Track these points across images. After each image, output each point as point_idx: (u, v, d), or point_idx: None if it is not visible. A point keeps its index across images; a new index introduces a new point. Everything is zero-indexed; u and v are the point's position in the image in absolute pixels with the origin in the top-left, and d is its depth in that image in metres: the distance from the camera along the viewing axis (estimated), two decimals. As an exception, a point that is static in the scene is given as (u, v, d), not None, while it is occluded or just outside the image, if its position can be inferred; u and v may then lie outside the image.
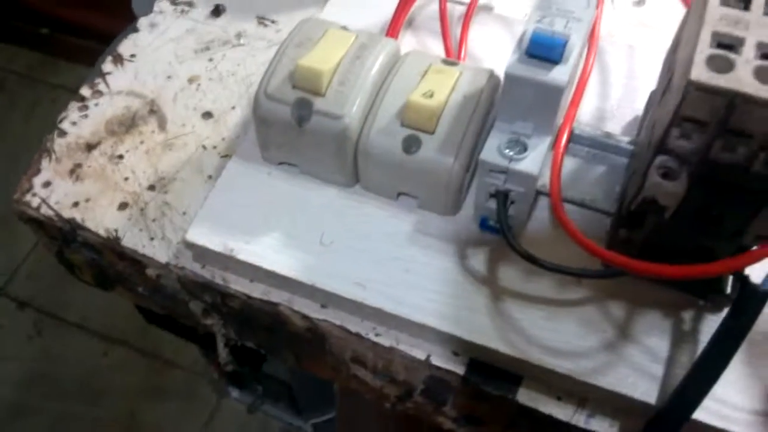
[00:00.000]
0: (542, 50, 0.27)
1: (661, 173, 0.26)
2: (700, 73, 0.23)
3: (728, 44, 0.24)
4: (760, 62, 0.23)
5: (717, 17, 0.24)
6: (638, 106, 0.37)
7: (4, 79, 1.52)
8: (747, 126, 0.23)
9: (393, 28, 0.38)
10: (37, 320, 1.22)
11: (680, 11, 0.42)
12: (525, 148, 0.29)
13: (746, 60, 0.23)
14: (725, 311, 0.31)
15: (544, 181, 0.31)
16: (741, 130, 0.23)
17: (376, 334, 0.33)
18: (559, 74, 0.27)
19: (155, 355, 1.17)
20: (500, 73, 0.34)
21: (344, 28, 0.35)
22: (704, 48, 0.23)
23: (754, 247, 0.27)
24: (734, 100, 0.22)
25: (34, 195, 0.38)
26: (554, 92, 0.27)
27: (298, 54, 0.33)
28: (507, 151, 0.29)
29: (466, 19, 0.40)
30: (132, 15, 0.71)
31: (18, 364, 1.19)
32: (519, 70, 0.27)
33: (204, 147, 0.39)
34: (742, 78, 0.23)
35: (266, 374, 0.85)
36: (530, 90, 0.28)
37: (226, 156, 0.39)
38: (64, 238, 0.38)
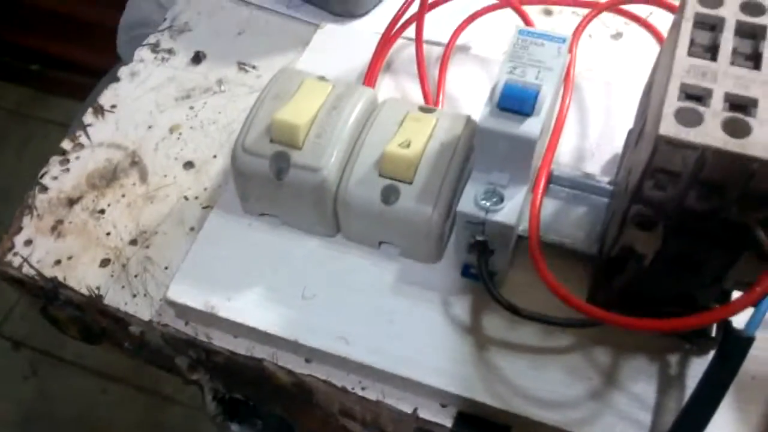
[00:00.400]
0: (513, 103, 0.27)
1: (638, 222, 0.26)
2: (668, 128, 0.23)
3: (696, 95, 0.24)
4: (728, 114, 0.23)
5: (685, 68, 0.24)
6: (617, 144, 0.37)
7: (-5, 116, 1.53)
8: (718, 177, 0.23)
9: (370, 76, 0.39)
10: (33, 360, 1.21)
11: (656, 46, 0.42)
12: (501, 199, 0.29)
13: (714, 112, 0.23)
14: (711, 353, 0.30)
15: (525, 225, 0.31)
16: (713, 181, 0.23)
17: (362, 388, 0.32)
18: (530, 127, 0.27)
19: (154, 392, 1.16)
20: (477, 118, 0.35)
21: (321, 77, 0.35)
22: (673, 101, 0.23)
23: (736, 295, 0.26)
24: (704, 153, 0.22)
25: (16, 254, 0.38)
26: (527, 144, 0.27)
27: (275, 106, 0.33)
28: (484, 201, 0.29)
29: (443, 63, 0.40)
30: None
31: (14, 404, 1.18)
32: (491, 123, 0.27)
33: (186, 198, 0.39)
34: (711, 131, 0.22)
35: (266, 410, 0.84)
36: (503, 142, 0.28)
37: (207, 207, 0.39)
38: (47, 296, 0.38)
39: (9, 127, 1.49)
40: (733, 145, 0.22)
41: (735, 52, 0.25)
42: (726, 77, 0.24)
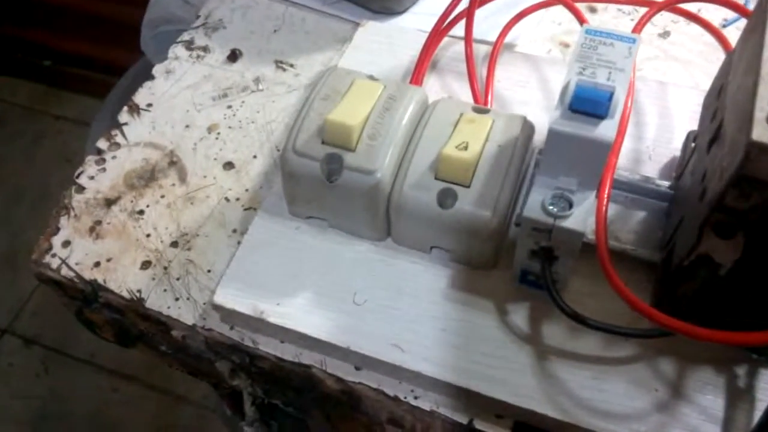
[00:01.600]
0: (587, 105, 0.26)
1: (718, 231, 0.25)
2: (761, 133, 0.22)
3: (788, 99, 0.23)
4: (825, 119, 0.22)
5: (775, 71, 0.23)
6: (674, 146, 0.36)
7: (6, 112, 1.52)
8: (813, 185, 0.22)
9: (417, 75, 0.37)
10: (45, 357, 1.21)
11: (706, 42, 0.41)
12: (570, 204, 0.28)
13: (810, 117, 0.22)
14: (781, 366, 0.29)
15: (587, 231, 0.30)
16: (806, 190, 0.22)
17: (415, 397, 0.31)
18: (606, 130, 0.26)
19: (166, 391, 1.15)
20: (532, 120, 0.34)
21: (371, 77, 0.34)
22: (764, 105, 0.22)
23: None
24: (801, 160, 0.21)
25: (54, 256, 0.37)
26: (602, 148, 0.26)
27: (326, 107, 0.32)
28: (551, 207, 0.28)
29: (491, 61, 0.39)
30: (133, 47, 0.70)
31: (27, 402, 1.17)
32: (564, 126, 0.26)
33: (227, 199, 0.38)
34: (808, 137, 0.21)
35: (281, 410, 0.83)
36: (576, 146, 0.26)
37: (249, 209, 0.38)
38: (85, 299, 0.37)
39: (22, 124, 1.48)
40: (833, 151, 0.21)
41: (826, 53, 0.24)
42: (820, 80, 0.23)
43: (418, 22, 0.44)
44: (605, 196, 0.29)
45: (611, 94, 0.26)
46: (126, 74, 0.93)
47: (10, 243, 1.25)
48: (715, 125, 0.28)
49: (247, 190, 0.38)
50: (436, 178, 0.31)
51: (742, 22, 0.38)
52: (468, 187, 0.31)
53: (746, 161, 0.22)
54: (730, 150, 0.24)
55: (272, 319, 0.32)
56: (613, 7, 0.45)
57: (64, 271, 0.36)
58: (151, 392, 1.16)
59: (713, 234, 0.25)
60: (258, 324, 0.33)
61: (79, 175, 0.40)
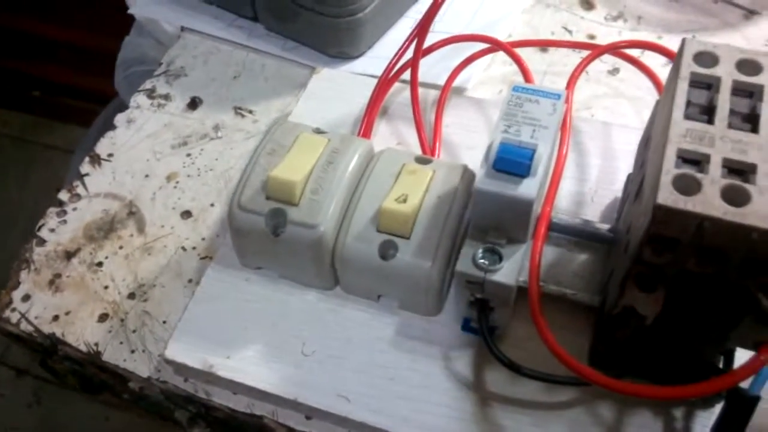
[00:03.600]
0: (509, 165, 0.27)
1: (639, 283, 0.26)
2: (666, 197, 0.22)
3: (694, 160, 0.24)
4: (726, 181, 0.23)
5: (681, 133, 0.24)
6: (617, 187, 0.37)
7: (-4, 143, 1.53)
8: (718, 245, 0.23)
9: (367, 123, 0.38)
10: (37, 388, 1.21)
11: (651, 84, 0.42)
12: (500, 258, 0.28)
13: (713, 179, 0.23)
14: (717, 407, 0.30)
15: (525, 276, 0.31)
16: (713, 248, 0.23)
17: (363, 446, 0.32)
18: (527, 189, 0.27)
19: (158, 419, 1.16)
20: (477, 167, 0.34)
21: (317, 130, 0.35)
22: (670, 167, 0.23)
23: (745, 360, 0.26)
24: (703, 222, 0.22)
25: (14, 310, 0.38)
26: (524, 206, 0.27)
27: (271, 162, 0.33)
28: (482, 261, 0.28)
29: (439, 107, 0.39)
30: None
31: (19, 433, 1.17)
32: (487, 185, 0.27)
33: (183, 249, 0.39)
34: (710, 199, 0.22)
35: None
36: (500, 203, 0.27)
37: (205, 257, 0.38)
38: (46, 351, 0.38)
39: (12, 154, 1.49)
40: (732, 214, 0.22)
41: (732, 112, 0.24)
42: (724, 142, 0.23)
43: (373, 66, 0.45)
44: (539, 246, 0.30)
45: (533, 153, 0.27)
46: (107, 107, 0.95)
47: (2, 272, 1.25)
48: (641, 177, 0.28)
49: (203, 239, 0.39)
50: (377, 231, 0.32)
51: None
52: (408, 238, 0.32)
53: (654, 222, 0.23)
54: (644, 209, 0.25)
55: (222, 373, 0.32)
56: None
57: (23, 325, 0.37)
58: (143, 420, 1.16)
59: (635, 287, 0.26)
60: (209, 376, 0.33)
61: (40, 227, 0.41)
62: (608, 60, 0.44)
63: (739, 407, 0.27)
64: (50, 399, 1.19)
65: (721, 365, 0.29)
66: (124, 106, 0.47)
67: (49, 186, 1.43)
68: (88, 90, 1.38)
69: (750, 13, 0.46)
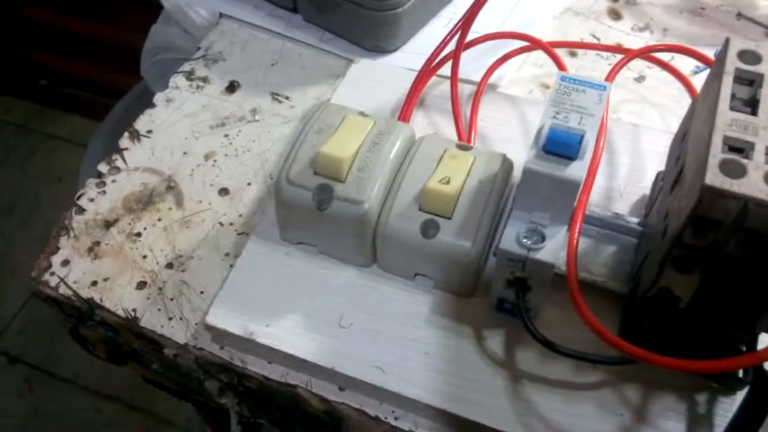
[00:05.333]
0: (559, 147, 0.28)
1: (676, 266, 0.27)
2: (714, 178, 0.24)
3: (739, 148, 0.25)
4: (770, 167, 0.24)
5: (727, 122, 0.25)
6: (644, 185, 0.38)
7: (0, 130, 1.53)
8: (760, 227, 0.24)
9: (405, 112, 0.40)
10: (29, 376, 1.20)
11: (678, 87, 0.43)
12: (543, 238, 0.30)
13: (757, 165, 0.24)
14: (739, 394, 0.31)
15: (559, 263, 0.32)
16: (754, 230, 0.24)
17: (395, 418, 0.33)
18: (576, 170, 0.28)
19: (149, 412, 1.15)
20: (512, 158, 0.36)
21: (362, 113, 0.36)
22: (716, 152, 0.25)
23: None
24: (747, 204, 0.24)
25: (53, 274, 0.38)
26: (572, 187, 0.28)
27: (319, 140, 0.35)
28: (525, 240, 0.30)
29: (475, 101, 0.41)
30: (130, 71, 0.72)
31: (8, 420, 1.17)
32: (537, 165, 0.28)
33: (221, 224, 0.40)
34: (754, 183, 0.24)
35: (266, 429, 0.83)
36: (548, 184, 0.29)
37: (242, 233, 0.39)
38: (81, 316, 0.38)
39: (14, 142, 1.49)
40: (776, 197, 0.23)
41: (774, 107, 0.26)
42: (767, 131, 0.25)
43: (407, 60, 0.46)
44: (576, 231, 0.31)
45: (581, 138, 0.28)
46: (123, 98, 0.96)
47: (-1, 256, 1.25)
48: (678, 168, 0.30)
49: (240, 215, 0.40)
50: (420, 210, 0.33)
51: (710, 71, 0.41)
52: (450, 218, 0.33)
53: (700, 203, 0.24)
54: (688, 192, 0.26)
55: (261, 340, 0.33)
56: (592, 51, 0.47)
57: (62, 289, 0.38)
58: (134, 413, 1.16)
59: (673, 269, 0.27)
60: (247, 344, 0.34)
61: (79, 197, 0.42)
62: (635, 67, 0.46)
63: (764, 388, 0.28)
64: (42, 388, 1.19)
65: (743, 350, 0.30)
66: (145, 94, 0.48)
67: (49, 175, 1.43)
68: (96, 82, 1.39)
69: (770, 32, 0.49)
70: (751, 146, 0.25)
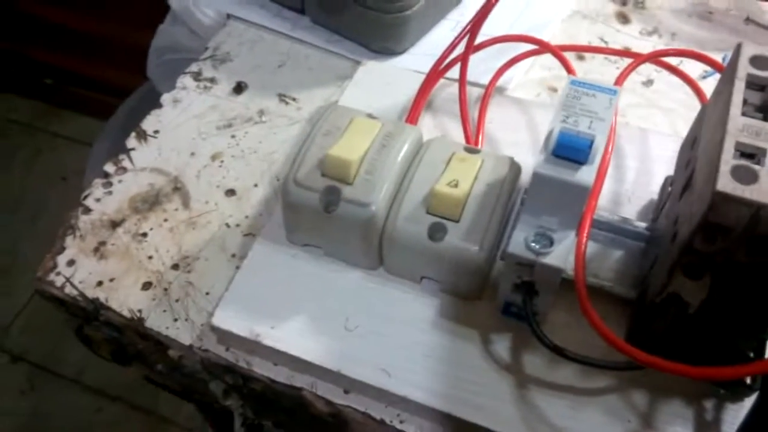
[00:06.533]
0: (569, 152, 0.28)
1: (686, 272, 0.27)
2: (725, 184, 0.24)
3: (750, 154, 0.25)
4: (782, 174, 0.24)
5: (739, 127, 0.25)
6: (652, 189, 0.38)
7: (5, 129, 1.54)
8: (772, 233, 0.24)
9: (413, 114, 0.40)
10: (31, 374, 1.21)
11: (686, 92, 0.43)
12: (551, 242, 0.30)
13: (769, 171, 0.24)
14: (746, 401, 0.31)
15: (567, 267, 0.32)
16: (765, 237, 0.24)
17: (401, 421, 0.33)
18: (585, 175, 0.28)
19: (151, 412, 1.15)
20: (520, 161, 0.36)
21: (369, 115, 0.36)
22: (728, 158, 0.24)
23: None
24: (759, 211, 0.23)
25: (59, 274, 0.38)
26: (581, 192, 0.28)
27: (326, 143, 0.34)
28: (534, 244, 0.30)
29: (483, 104, 0.41)
30: (135, 70, 0.72)
31: (10, 419, 1.17)
32: (547, 169, 0.28)
33: (227, 225, 0.40)
34: (766, 190, 0.24)
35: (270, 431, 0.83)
36: (557, 189, 0.29)
37: (248, 234, 0.39)
38: (87, 316, 0.38)
39: (19, 140, 1.50)
40: (788, 203, 0.23)
41: (786, 113, 0.26)
42: (779, 138, 0.25)
43: (415, 62, 0.46)
44: (585, 235, 0.31)
45: (591, 142, 0.28)
46: (129, 97, 0.96)
47: (3, 258, 1.25)
48: (688, 173, 0.30)
49: (247, 216, 0.40)
50: (427, 213, 0.33)
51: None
52: (457, 222, 0.33)
53: (711, 209, 0.24)
54: (699, 198, 0.26)
55: (267, 342, 0.33)
56: (600, 55, 0.47)
57: (68, 289, 0.38)
58: (136, 413, 1.16)
59: (682, 274, 0.27)
60: (253, 346, 0.34)
61: (86, 197, 0.42)
62: (643, 72, 0.46)
63: (774, 397, 0.28)
64: (44, 386, 1.19)
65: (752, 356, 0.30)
66: (151, 94, 0.48)
67: (54, 174, 1.43)
68: (102, 81, 1.39)
69: (779, 36, 0.48)
70: (763, 152, 0.25)
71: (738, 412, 0.31)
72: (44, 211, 1.29)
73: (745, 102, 0.26)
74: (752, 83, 0.27)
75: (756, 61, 0.27)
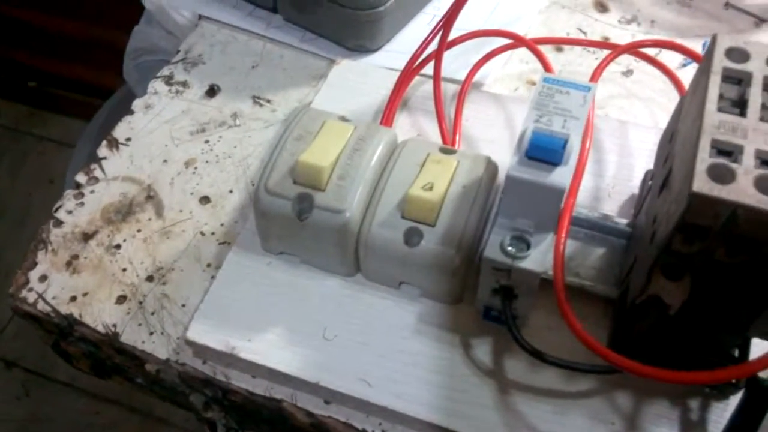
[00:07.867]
0: (542, 153, 0.27)
1: (666, 273, 0.26)
2: (702, 184, 0.23)
3: (727, 151, 0.24)
4: (760, 171, 0.23)
5: (715, 124, 0.24)
6: (634, 183, 0.37)
7: (-11, 132, 1.52)
8: (749, 233, 0.23)
9: (388, 114, 0.39)
10: (26, 380, 1.20)
11: (667, 81, 0.42)
12: (528, 246, 0.29)
13: (746, 169, 0.23)
14: (732, 399, 0.31)
15: (547, 266, 0.31)
16: (743, 237, 0.24)
17: (383, 431, 0.32)
18: (560, 177, 0.27)
19: (147, 414, 1.15)
20: (497, 158, 0.35)
21: (342, 118, 0.35)
22: (704, 157, 0.24)
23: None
24: (737, 210, 0.23)
25: (31, 290, 0.37)
26: (556, 194, 0.27)
27: (298, 148, 0.34)
28: (510, 248, 0.29)
29: (459, 101, 0.40)
30: (119, 71, 0.71)
31: (6, 425, 1.16)
32: (520, 172, 0.28)
33: (202, 234, 0.39)
34: (743, 189, 0.23)
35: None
36: (532, 191, 0.28)
37: (224, 243, 0.38)
38: (61, 332, 0.37)
39: (5, 144, 1.48)
40: (765, 203, 0.22)
41: (764, 107, 0.25)
42: (756, 133, 0.24)
43: (390, 60, 0.45)
44: (563, 236, 0.30)
45: (565, 142, 0.27)
46: (110, 98, 0.94)
47: (-5, 258, 1.24)
48: (666, 170, 0.29)
49: (222, 224, 0.39)
50: (402, 217, 0.32)
51: (699, 64, 0.40)
52: (433, 226, 0.32)
53: (688, 210, 0.24)
54: (676, 198, 0.25)
55: (243, 355, 0.33)
56: (578, 46, 0.46)
57: (41, 305, 0.37)
58: (133, 415, 1.15)
59: (662, 275, 0.26)
60: (230, 359, 0.33)
61: (57, 209, 0.41)
62: (622, 62, 0.45)
63: (758, 397, 0.27)
64: (39, 392, 1.18)
65: (736, 355, 0.30)
66: (131, 96, 0.47)
67: (41, 177, 1.42)
68: (86, 83, 1.37)
69: (760, 21, 0.47)
70: (740, 149, 0.24)
71: (723, 410, 0.31)
72: (31, 215, 1.28)
73: (721, 97, 0.25)
74: (728, 77, 0.26)
75: (732, 53, 0.26)
